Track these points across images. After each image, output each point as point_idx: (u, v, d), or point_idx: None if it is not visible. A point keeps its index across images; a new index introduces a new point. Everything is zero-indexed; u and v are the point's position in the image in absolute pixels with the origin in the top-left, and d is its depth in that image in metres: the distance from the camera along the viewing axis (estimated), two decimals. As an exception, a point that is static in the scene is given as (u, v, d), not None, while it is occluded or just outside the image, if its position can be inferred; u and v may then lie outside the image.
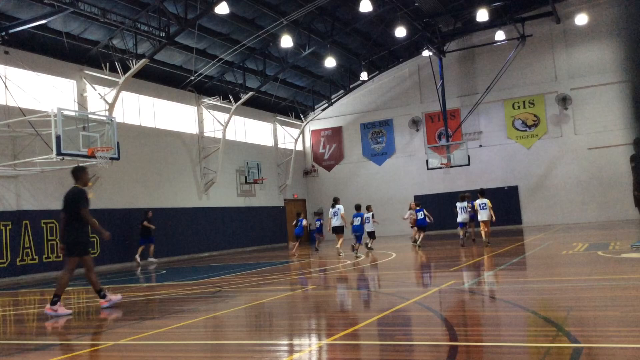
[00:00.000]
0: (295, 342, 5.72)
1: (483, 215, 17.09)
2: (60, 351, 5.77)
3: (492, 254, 14.09)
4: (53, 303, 8.69)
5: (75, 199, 9.01)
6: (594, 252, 12.43)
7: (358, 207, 18.30)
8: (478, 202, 17.31)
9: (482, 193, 17.70)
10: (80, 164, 9.83)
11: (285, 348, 5.39)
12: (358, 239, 17.51)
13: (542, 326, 5.36)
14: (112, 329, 7.04)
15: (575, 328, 5.01)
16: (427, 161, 30.62)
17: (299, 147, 35.73)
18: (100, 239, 9.21)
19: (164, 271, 17.47)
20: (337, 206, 18.20)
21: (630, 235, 15.33)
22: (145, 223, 22.09)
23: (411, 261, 15.07)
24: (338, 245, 17.95)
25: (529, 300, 7.04)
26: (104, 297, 9.12)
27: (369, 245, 18.97)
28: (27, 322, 8.70)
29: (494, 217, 17.15)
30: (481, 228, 17.30)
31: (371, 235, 19.06)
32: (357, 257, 16.61)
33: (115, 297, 9.37)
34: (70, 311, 8.97)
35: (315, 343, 5.58)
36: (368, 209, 18.96)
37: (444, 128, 31.67)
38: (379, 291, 8.98)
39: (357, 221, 17.64)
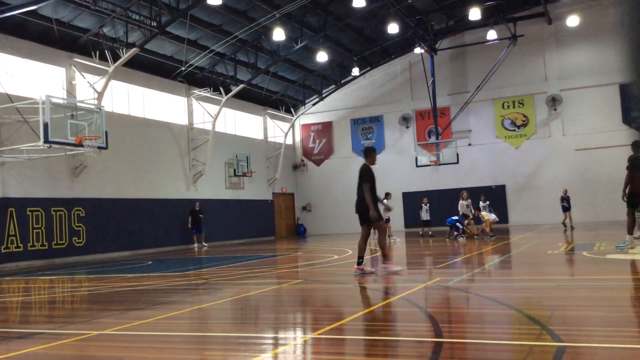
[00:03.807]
0: (281, 335, 5.73)
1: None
2: (45, 340, 5.74)
3: (478, 252, 14.17)
4: (359, 263, 10.15)
5: (361, 174, 10.29)
6: (579, 252, 12.54)
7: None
8: (484, 212, 19.92)
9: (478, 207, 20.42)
10: (370, 145, 11.22)
11: (271, 341, 5.39)
12: (456, 228, 19.84)
13: (526, 324, 5.40)
14: (97, 318, 7.01)
15: (559, 327, 5.06)
16: (416, 158, 30.70)
17: (289, 141, 35.68)
18: (369, 217, 10.18)
19: (150, 262, 17.40)
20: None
21: (615, 236, 15.48)
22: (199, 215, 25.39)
23: (398, 257, 15.11)
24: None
25: (513, 298, 7.09)
26: (386, 261, 10.25)
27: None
28: (11, 310, 8.63)
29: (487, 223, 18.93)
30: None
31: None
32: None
33: (395, 268, 10.28)
34: (374, 269, 10.58)
35: (300, 337, 5.59)
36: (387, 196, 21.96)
37: (433, 126, 31.76)
38: (365, 286, 9.01)
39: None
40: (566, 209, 24.55)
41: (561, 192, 25.23)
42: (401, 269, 10.45)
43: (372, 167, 10.44)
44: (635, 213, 12.17)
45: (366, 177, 10.20)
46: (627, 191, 11.61)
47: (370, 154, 10.64)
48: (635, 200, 11.55)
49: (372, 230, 22.79)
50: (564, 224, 24.75)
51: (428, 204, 23.32)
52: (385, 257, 10.28)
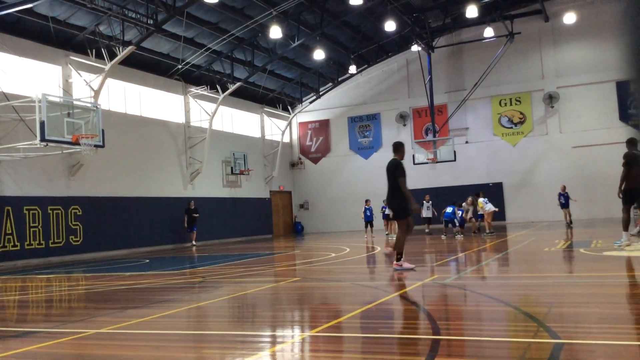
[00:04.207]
0: (278, 333, 5.72)
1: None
2: (42, 338, 5.73)
3: (475, 250, 14.19)
4: (398, 260, 9.97)
5: (394, 170, 10.09)
6: (576, 249, 12.57)
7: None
8: (481, 200, 20.05)
9: (478, 194, 20.54)
10: (399, 140, 11.17)
11: (268, 339, 5.39)
12: (451, 224, 19.54)
13: (524, 321, 5.41)
14: (94, 317, 6.99)
15: (556, 324, 5.06)
16: (413, 156, 30.66)
17: (286, 139, 35.67)
18: (411, 210, 10.10)
19: (147, 260, 17.38)
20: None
21: (612, 233, 15.51)
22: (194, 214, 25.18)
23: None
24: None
25: (510, 295, 7.10)
26: (399, 259, 10.01)
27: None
28: (8, 309, 8.61)
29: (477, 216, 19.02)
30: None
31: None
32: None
33: (408, 265, 10.05)
34: (413, 266, 10.12)
35: (298, 335, 5.59)
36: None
37: (431, 123, 31.78)
38: (363, 284, 9.01)
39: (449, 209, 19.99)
40: (564, 205, 24.25)
41: (559, 189, 24.92)
42: (414, 266, 10.20)
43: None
44: (632, 210, 12.20)
45: (400, 172, 10.05)
46: (622, 188, 11.64)
47: (400, 148, 10.45)
48: (631, 197, 11.59)
49: (371, 229, 22.67)
50: (568, 224, 23.89)
51: (430, 201, 23.19)
52: (400, 255, 10.08)
